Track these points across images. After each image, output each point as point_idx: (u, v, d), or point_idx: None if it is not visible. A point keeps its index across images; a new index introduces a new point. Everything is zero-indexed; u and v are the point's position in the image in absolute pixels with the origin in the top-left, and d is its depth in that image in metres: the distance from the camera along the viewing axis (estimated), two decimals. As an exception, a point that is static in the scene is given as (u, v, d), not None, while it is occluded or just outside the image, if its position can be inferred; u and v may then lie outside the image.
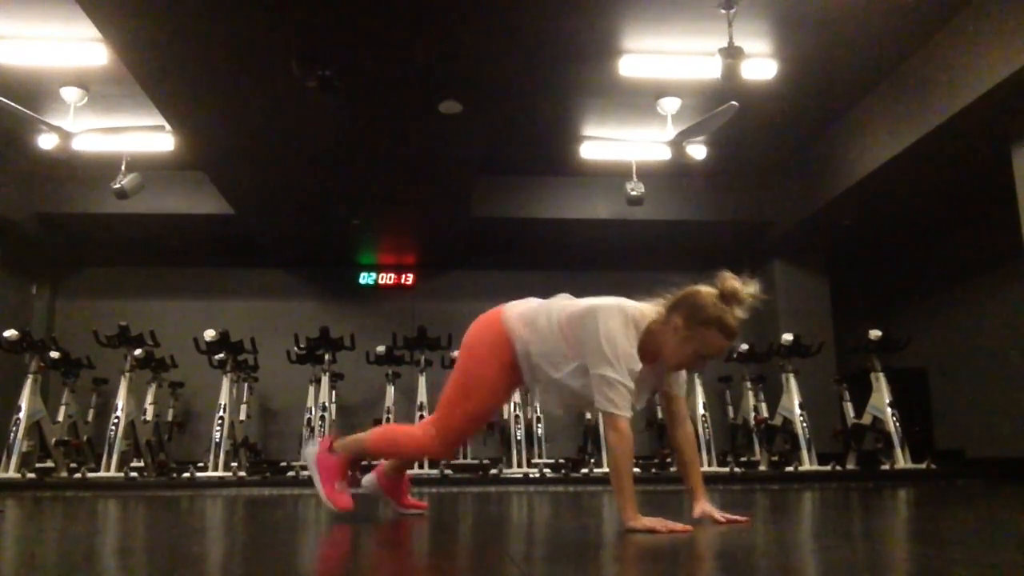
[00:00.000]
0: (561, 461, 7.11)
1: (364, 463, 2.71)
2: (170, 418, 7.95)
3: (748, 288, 2.06)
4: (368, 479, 2.71)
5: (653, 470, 6.79)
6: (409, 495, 2.76)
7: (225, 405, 6.48)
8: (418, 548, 1.94)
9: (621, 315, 2.10)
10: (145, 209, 7.79)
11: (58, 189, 7.99)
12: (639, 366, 2.08)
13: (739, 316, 2.05)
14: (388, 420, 7.10)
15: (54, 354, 6.73)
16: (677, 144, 6.55)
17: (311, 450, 2.57)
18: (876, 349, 6.79)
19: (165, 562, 1.61)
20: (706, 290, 2.08)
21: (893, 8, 5.33)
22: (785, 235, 8.43)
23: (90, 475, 5.99)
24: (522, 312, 2.31)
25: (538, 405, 2.41)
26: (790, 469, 6.40)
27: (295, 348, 7.39)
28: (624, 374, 2.04)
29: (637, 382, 2.10)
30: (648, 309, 2.16)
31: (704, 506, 2.22)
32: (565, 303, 2.27)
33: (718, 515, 2.18)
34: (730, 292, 2.04)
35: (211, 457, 6.31)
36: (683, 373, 2.29)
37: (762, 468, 6.88)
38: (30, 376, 6.30)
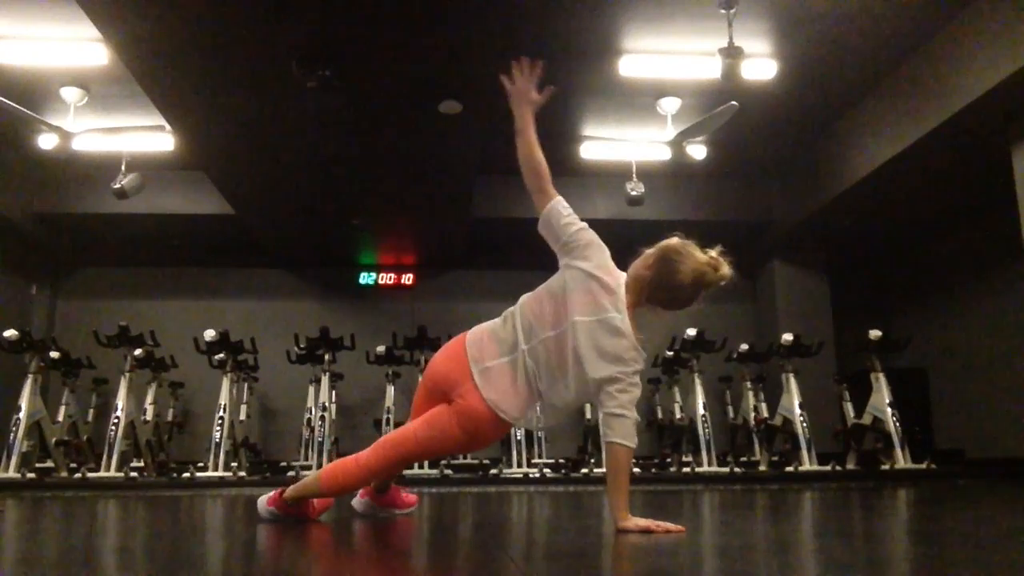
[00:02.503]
0: (561, 461, 7.11)
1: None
2: (170, 418, 7.95)
3: (721, 271, 2.15)
4: (358, 502, 2.70)
5: (653, 470, 6.79)
6: (401, 492, 2.78)
7: (225, 405, 6.48)
8: (418, 548, 1.94)
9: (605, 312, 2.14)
10: (145, 209, 7.79)
11: (58, 189, 8.00)
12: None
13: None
14: (388, 420, 7.10)
15: (54, 354, 6.73)
16: (677, 144, 6.56)
17: (260, 500, 2.44)
18: (876, 349, 6.79)
19: (165, 562, 1.61)
20: (683, 272, 2.16)
21: (893, 9, 5.34)
22: (785, 235, 8.43)
23: (90, 475, 5.99)
24: (502, 389, 2.15)
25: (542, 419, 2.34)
26: (790, 469, 6.40)
27: (295, 348, 7.39)
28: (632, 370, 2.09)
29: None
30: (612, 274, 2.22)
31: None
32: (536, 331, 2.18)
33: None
34: (709, 283, 2.16)
35: (211, 457, 6.31)
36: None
37: (762, 468, 6.87)
38: (30, 376, 6.29)
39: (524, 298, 2.28)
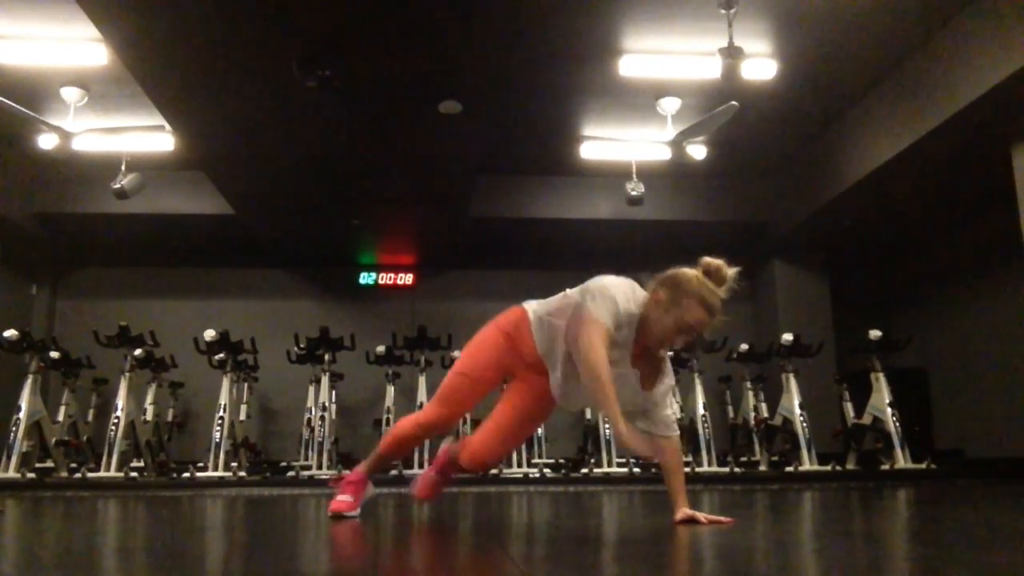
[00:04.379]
0: (561, 461, 7.11)
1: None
2: (170, 418, 7.95)
3: (729, 269, 2.16)
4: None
5: (653, 470, 6.78)
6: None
7: (225, 405, 6.48)
8: (418, 548, 1.94)
9: (626, 283, 2.23)
10: (145, 209, 7.79)
11: (58, 189, 7.99)
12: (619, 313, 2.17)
13: (720, 295, 2.14)
14: (388, 420, 7.10)
15: (54, 354, 6.73)
16: (677, 144, 6.56)
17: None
18: (876, 349, 6.79)
19: (165, 562, 1.61)
20: (689, 269, 2.19)
21: (893, 8, 5.33)
22: (785, 235, 8.43)
23: (90, 475, 5.99)
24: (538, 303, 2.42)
25: (558, 400, 2.40)
26: (790, 469, 6.40)
27: (295, 348, 7.40)
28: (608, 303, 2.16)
29: (624, 374, 2.20)
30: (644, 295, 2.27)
31: (685, 511, 2.20)
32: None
33: (701, 517, 2.18)
34: (713, 269, 2.15)
35: (211, 457, 6.31)
36: (668, 410, 2.30)
37: (762, 468, 6.87)
38: (30, 376, 6.29)
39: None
